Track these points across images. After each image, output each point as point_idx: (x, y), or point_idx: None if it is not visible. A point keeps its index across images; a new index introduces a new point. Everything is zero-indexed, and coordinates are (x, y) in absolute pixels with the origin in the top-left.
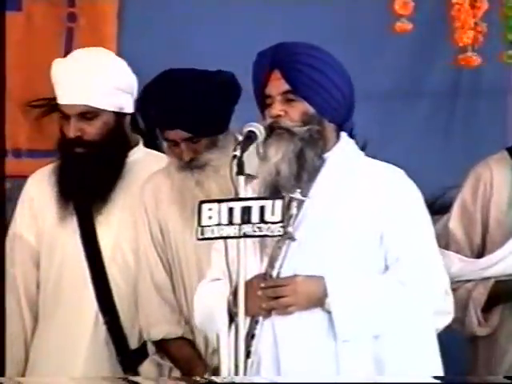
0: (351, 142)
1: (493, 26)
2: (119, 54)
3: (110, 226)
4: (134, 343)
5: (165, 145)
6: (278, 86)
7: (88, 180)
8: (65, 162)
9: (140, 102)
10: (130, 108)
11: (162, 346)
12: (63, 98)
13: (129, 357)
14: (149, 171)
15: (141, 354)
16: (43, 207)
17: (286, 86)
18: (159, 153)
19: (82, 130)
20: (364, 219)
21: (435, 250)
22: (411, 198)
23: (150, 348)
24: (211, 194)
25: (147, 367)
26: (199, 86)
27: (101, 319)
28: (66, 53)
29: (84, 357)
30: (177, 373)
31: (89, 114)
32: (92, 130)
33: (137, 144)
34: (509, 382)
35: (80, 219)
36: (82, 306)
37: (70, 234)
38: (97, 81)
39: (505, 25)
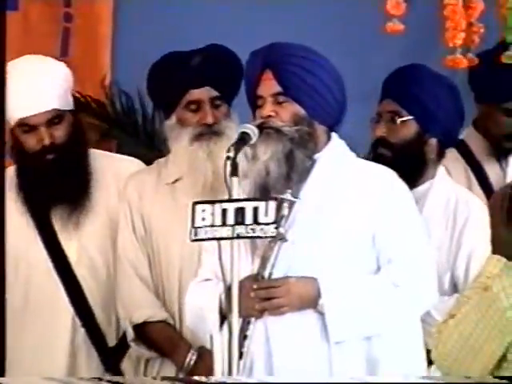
0: (342, 143)
1: (488, 27)
2: (114, 53)
3: (73, 229)
4: (111, 341)
5: (180, 115)
6: (269, 86)
7: (60, 186)
8: (33, 171)
9: (158, 73)
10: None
11: (144, 330)
12: (29, 110)
13: (109, 355)
14: (112, 171)
15: (120, 350)
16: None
17: (277, 88)
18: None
19: (52, 137)
20: (356, 220)
21: (427, 251)
22: (403, 199)
23: (129, 336)
24: (219, 168)
25: (127, 364)
26: (230, 52)
27: (78, 322)
28: (63, 53)
29: (64, 361)
30: (154, 366)
31: (56, 118)
32: (61, 133)
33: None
34: (505, 382)
35: (41, 226)
36: (57, 313)
37: (33, 243)
38: (54, 84)
39: (504, 26)
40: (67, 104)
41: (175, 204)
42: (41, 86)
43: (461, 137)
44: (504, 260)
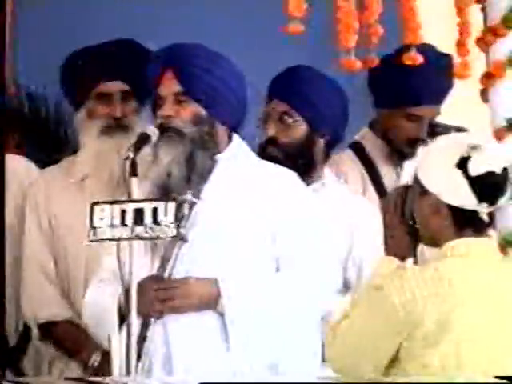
0: (243, 143)
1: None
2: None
3: None
4: (12, 339)
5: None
6: (169, 86)
7: None
8: None
9: (70, 64)
10: None
11: (49, 329)
12: None
13: (9, 354)
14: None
15: (20, 349)
16: None
17: (177, 87)
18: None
19: None
20: (256, 220)
21: (326, 252)
22: (302, 200)
23: (34, 335)
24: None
25: (27, 363)
26: (142, 47)
27: None
28: None
29: None
30: (59, 364)
31: None
32: None
33: None
34: (503, 381)
35: None
36: None
37: None
38: None
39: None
40: None
41: (83, 202)
42: None
43: (356, 138)
44: (396, 261)
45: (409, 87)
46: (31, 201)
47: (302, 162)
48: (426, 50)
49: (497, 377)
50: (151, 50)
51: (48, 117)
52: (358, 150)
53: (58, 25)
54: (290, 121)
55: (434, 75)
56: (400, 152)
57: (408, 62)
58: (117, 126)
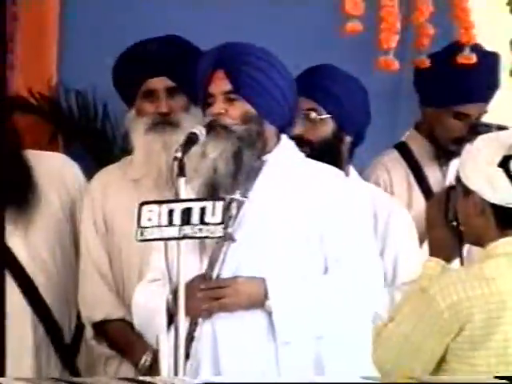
0: (292, 144)
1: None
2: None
3: (20, 230)
4: (67, 338)
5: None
6: (220, 85)
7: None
8: None
9: (119, 65)
10: None
11: (102, 328)
12: None
13: (66, 352)
14: (43, 169)
15: (74, 348)
16: None
17: (228, 86)
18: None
19: None
20: (304, 221)
21: (374, 253)
22: (351, 200)
23: (88, 334)
24: None
25: (82, 362)
26: (188, 43)
27: (36, 321)
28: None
29: (30, 360)
30: (113, 363)
31: None
32: None
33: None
34: (502, 381)
35: None
36: (16, 314)
37: None
38: None
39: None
40: None
41: (137, 201)
42: None
43: (402, 139)
44: (442, 262)
45: (457, 85)
46: (88, 199)
47: (328, 160)
48: (474, 48)
49: (497, 377)
50: (197, 47)
51: (96, 118)
52: (403, 150)
53: (107, 25)
54: (317, 118)
55: (482, 73)
56: (446, 151)
57: (463, 62)
58: (164, 123)
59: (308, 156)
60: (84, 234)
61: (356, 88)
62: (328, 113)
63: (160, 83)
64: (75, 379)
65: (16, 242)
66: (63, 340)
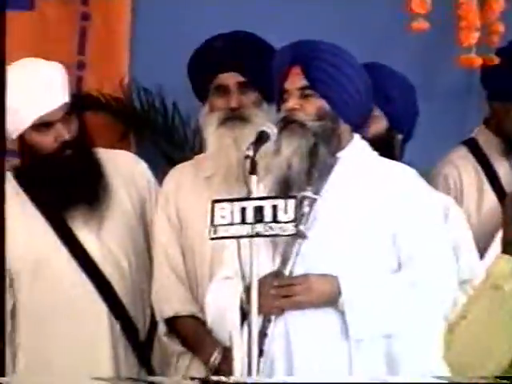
0: (364, 143)
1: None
2: (133, 50)
3: (93, 228)
4: (142, 336)
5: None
6: (296, 80)
7: (78, 184)
8: (50, 171)
9: (192, 61)
10: None
11: (174, 324)
12: (45, 107)
13: (142, 350)
14: (112, 165)
15: (150, 345)
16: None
17: (304, 81)
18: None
19: (70, 131)
20: (376, 219)
21: (448, 251)
22: (424, 198)
23: (161, 330)
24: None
25: (156, 359)
26: (259, 38)
27: (114, 321)
28: (80, 51)
29: (108, 360)
30: (185, 360)
31: (68, 113)
32: (74, 128)
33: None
34: (505, 382)
35: (59, 228)
36: (92, 313)
37: (54, 245)
38: (59, 79)
39: None
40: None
41: (209, 198)
42: (49, 83)
43: (472, 135)
44: None
45: None
46: (162, 197)
47: (385, 156)
48: None
49: (497, 377)
50: (268, 43)
51: (166, 116)
52: (472, 146)
53: (178, 22)
54: (373, 115)
55: None
56: None
57: None
58: (235, 118)
59: None
60: (158, 231)
61: (407, 87)
62: (381, 110)
63: (231, 78)
64: (152, 378)
65: (88, 239)
66: (139, 338)
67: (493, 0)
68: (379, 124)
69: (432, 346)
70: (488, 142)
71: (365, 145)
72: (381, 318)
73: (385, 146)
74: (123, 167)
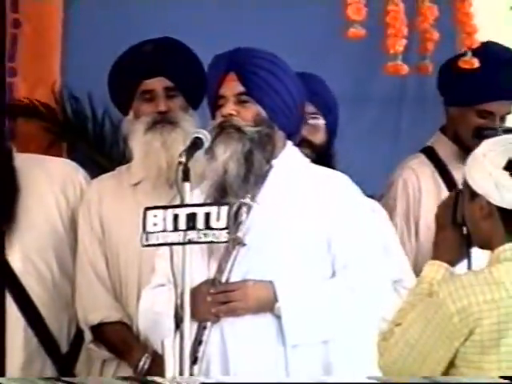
0: (296, 149)
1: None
2: (65, 57)
3: (12, 239)
4: (64, 346)
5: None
6: (232, 87)
7: None
8: None
9: (114, 69)
10: None
11: (100, 331)
12: None
13: (63, 361)
14: (44, 173)
15: (73, 356)
16: None
17: (240, 88)
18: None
19: None
20: (311, 225)
21: (381, 256)
22: (357, 205)
23: (87, 337)
24: (174, 159)
25: (80, 367)
26: (183, 45)
27: (30, 331)
28: (10, 58)
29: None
30: (110, 367)
31: None
32: None
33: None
34: (506, 382)
35: None
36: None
37: None
38: None
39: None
40: None
41: (136, 206)
42: None
43: (428, 143)
44: (445, 265)
45: (480, 83)
46: (84, 206)
47: (326, 163)
48: (496, 47)
49: (501, 377)
50: (194, 52)
51: (95, 123)
52: (430, 153)
53: (109, 30)
54: (318, 122)
55: (504, 71)
56: (471, 151)
57: (465, 66)
58: (163, 121)
59: (312, 159)
60: (81, 238)
61: (331, 92)
62: (325, 120)
63: (158, 83)
64: (74, 379)
65: (10, 252)
66: (59, 351)
67: (426, 8)
68: (323, 133)
69: (368, 352)
70: (445, 148)
71: (297, 152)
72: (317, 324)
73: (325, 154)
74: (55, 175)
